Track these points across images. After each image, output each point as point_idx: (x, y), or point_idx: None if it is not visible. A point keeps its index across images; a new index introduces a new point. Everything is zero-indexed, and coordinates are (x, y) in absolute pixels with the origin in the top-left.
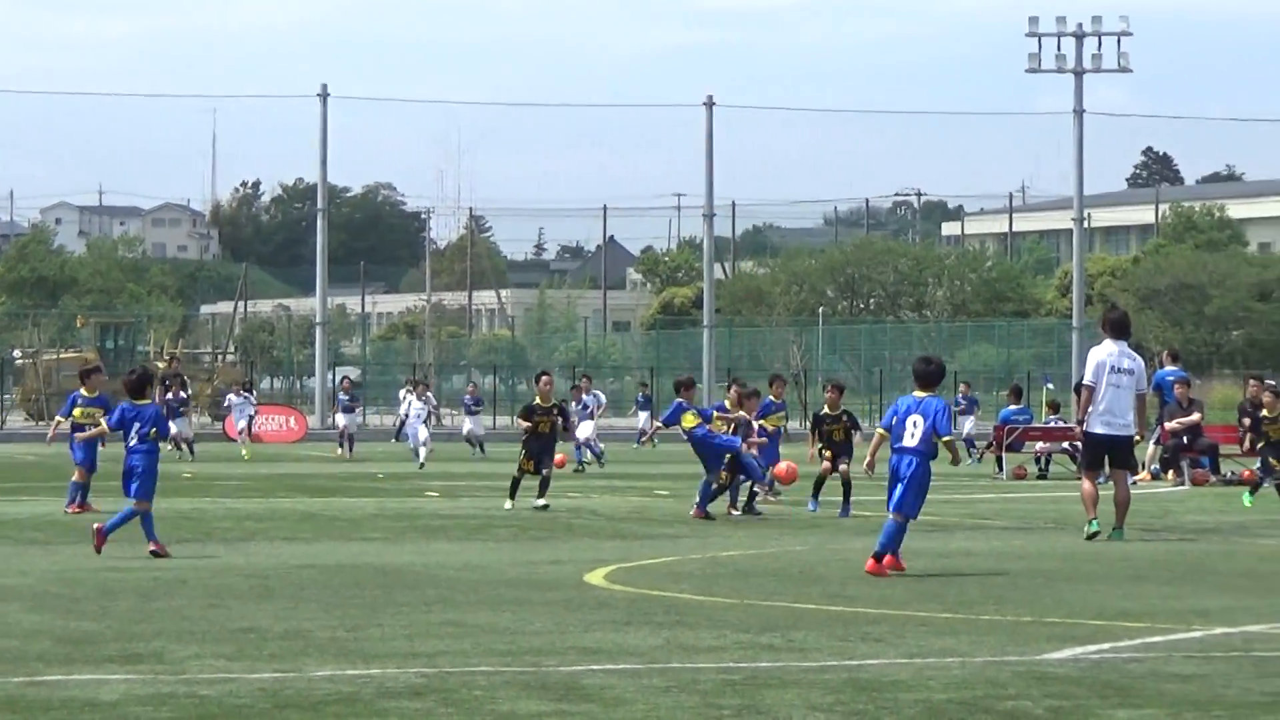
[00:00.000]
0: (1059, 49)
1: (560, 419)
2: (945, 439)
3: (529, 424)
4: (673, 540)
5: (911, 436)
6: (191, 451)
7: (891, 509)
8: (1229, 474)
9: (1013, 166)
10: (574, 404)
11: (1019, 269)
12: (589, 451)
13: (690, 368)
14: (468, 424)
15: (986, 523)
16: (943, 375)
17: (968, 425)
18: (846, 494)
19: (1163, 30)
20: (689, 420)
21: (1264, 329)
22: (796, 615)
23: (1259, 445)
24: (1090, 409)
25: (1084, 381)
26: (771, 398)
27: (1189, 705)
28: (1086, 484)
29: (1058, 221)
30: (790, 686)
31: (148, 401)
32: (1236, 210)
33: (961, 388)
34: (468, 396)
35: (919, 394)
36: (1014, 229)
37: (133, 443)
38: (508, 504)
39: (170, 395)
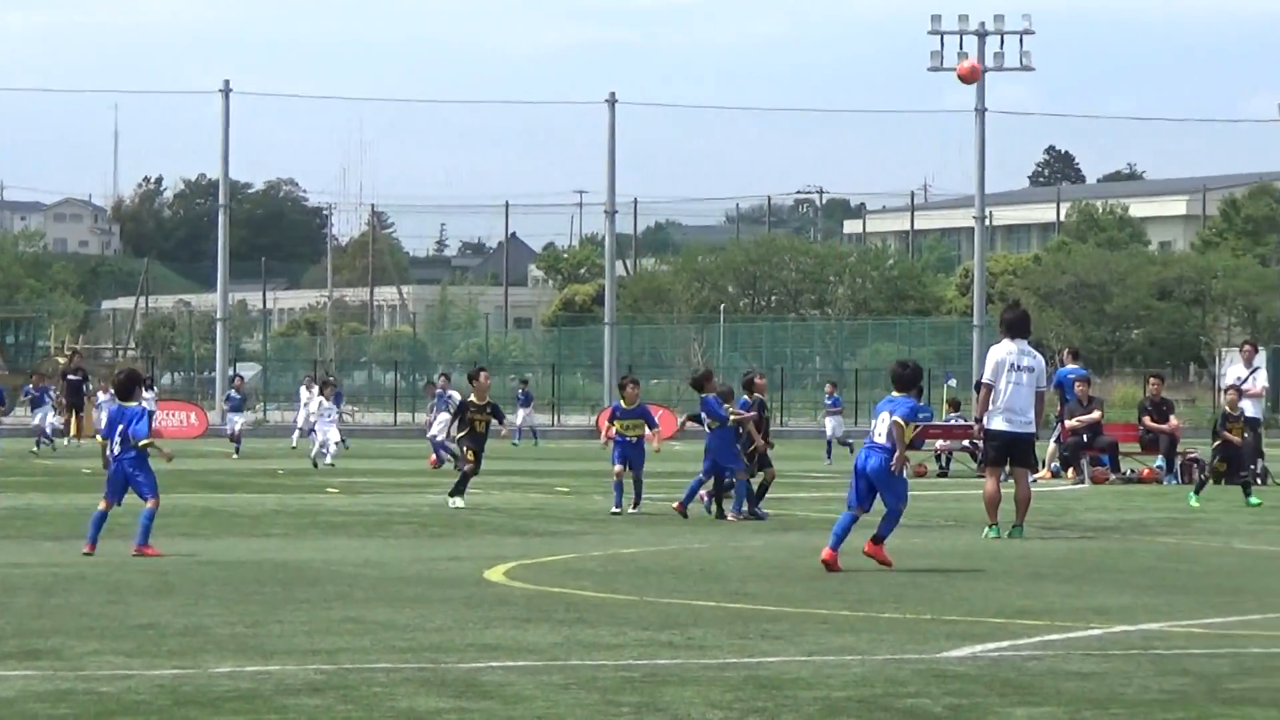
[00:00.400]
0: (961, 47)
1: (494, 417)
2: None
3: (460, 421)
4: (573, 537)
5: (880, 435)
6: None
7: (853, 504)
8: (1128, 472)
9: (915, 165)
10: (430, 400)
11: (920, 267)
12: (444, 450)
13: (591, 365)
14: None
15: None
16: (919, 378)
17: (832, 425)
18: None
19: (1065, 29)
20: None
21: (1164, 327)
22: (696, 613)
23: (1214, 444)
24: (991, 407)
25: (983, 380)
26: (746, 398)
27: (1087, 703)
28: (990, 484)
29: (959, 220)
30: (689, 684)
31: (134, 404)
32: (1137, 209)
33: (828, 388)
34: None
35: (894, 394)
36: (916, 227)
37: (118, 449)
38: (459, 502)
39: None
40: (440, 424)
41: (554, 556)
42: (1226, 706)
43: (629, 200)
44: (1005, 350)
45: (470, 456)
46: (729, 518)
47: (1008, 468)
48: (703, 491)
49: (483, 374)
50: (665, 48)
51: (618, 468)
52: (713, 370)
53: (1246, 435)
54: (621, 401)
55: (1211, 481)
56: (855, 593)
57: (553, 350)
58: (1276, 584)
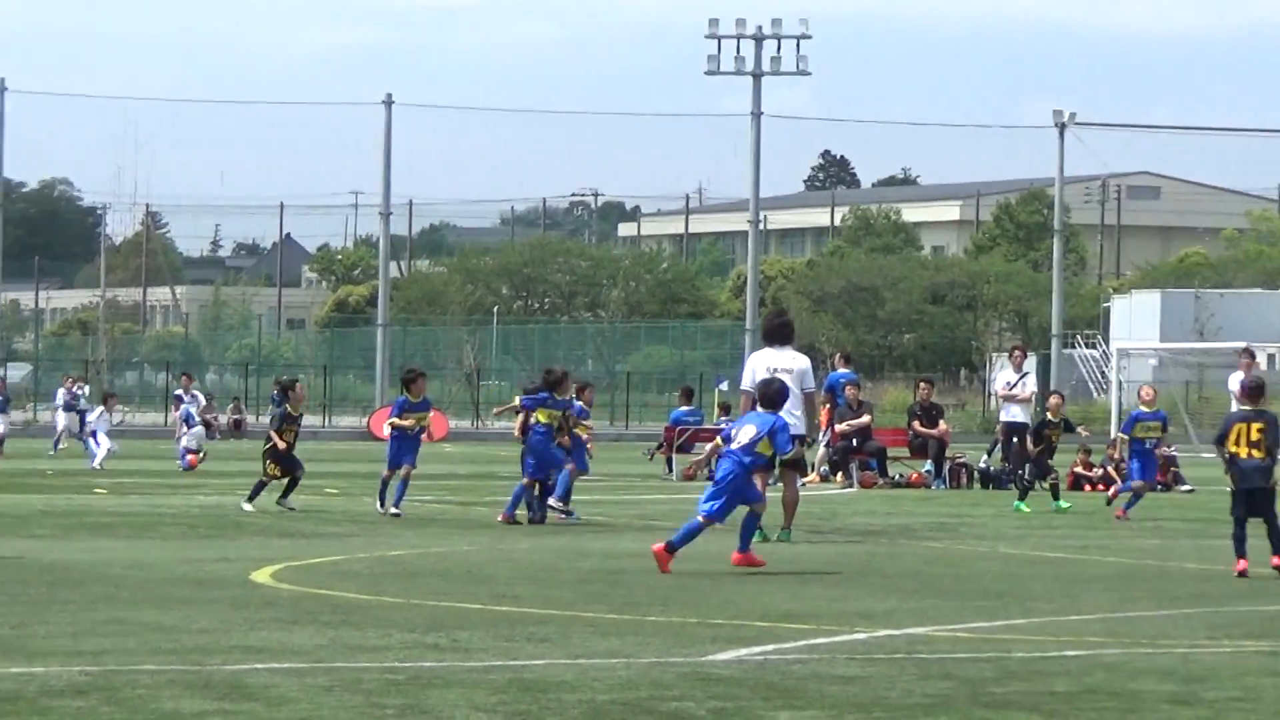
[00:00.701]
0: (738, 51)
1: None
2: (786, 457)
3: (279, 436)
4: (341, 539)
5: (739, 443)
6: None
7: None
8: (896, 476)
9: (691, 168)
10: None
11: (694, 270)
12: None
13: (364, 366)
14: (63, 419)
15: (655, 524)
16: (786, 396)
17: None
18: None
19: (842, 34)
20: (542, 416)
21: (936, 332)
22: (462, 615)
23: (1037, 449)
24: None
25: (742, 387)
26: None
27: (851, 707)
28: (787, 493)
29: (734, 223)
30: (454, 686)
31: None
32: (911, 214)
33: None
34: (63, 391)
35: (760, 410)
36: (690, 230)
37: None
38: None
39: None
40: (192, 435)
41: (321, 559)
42: (989, 710)
43: (404, 202)
44: (762, 356)
45: (275, 471)
46: (511, 518)
47: (777, 471)
48: (553, 500)
49: (298, 384)
50: (442, 49)
51: (404, 468)
52: (568, 371)
53: (1015, 441)
54: (409, 395)
55: (1027, 486)
56: (622, 596)
57: (325, 351)
58: (1040, 589)
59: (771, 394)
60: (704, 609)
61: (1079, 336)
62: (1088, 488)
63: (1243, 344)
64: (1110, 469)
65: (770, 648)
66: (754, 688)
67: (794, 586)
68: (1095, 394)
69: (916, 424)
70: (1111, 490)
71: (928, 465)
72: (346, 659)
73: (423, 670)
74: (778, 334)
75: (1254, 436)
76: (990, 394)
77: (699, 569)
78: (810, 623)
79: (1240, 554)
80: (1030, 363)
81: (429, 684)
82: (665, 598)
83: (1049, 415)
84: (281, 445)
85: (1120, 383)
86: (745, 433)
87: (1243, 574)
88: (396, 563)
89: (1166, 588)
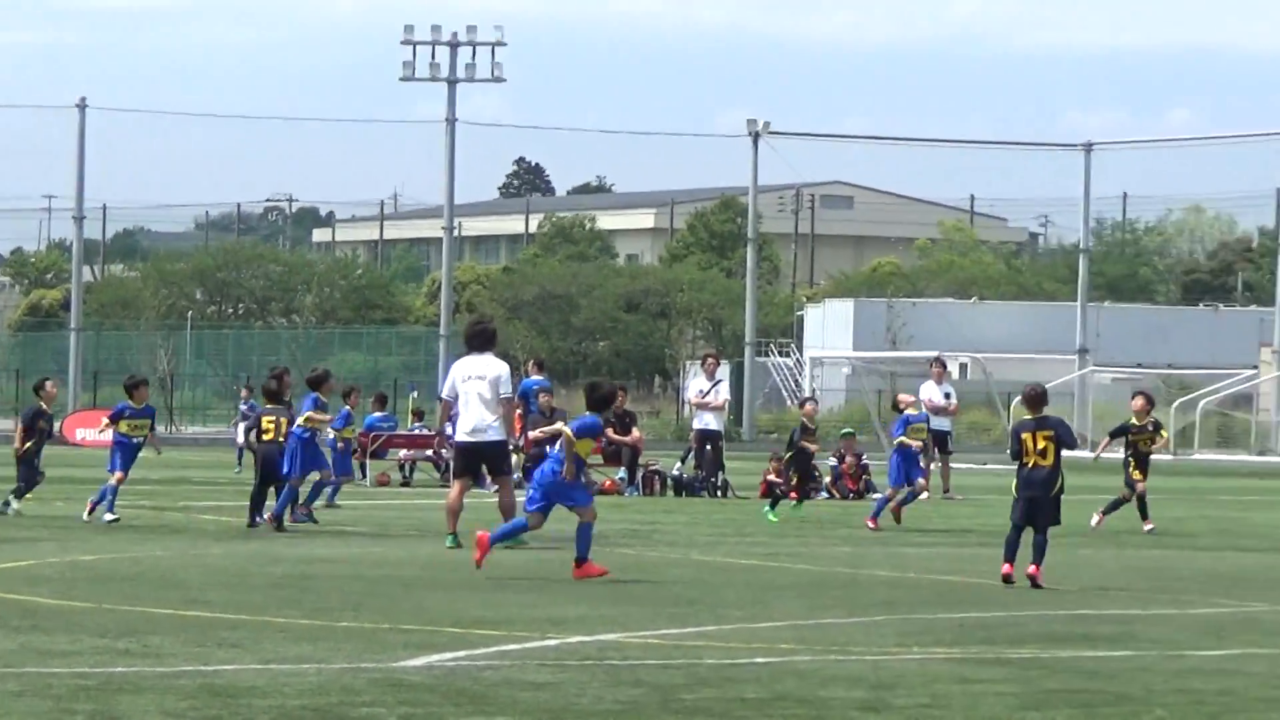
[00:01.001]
0: (434, 58)
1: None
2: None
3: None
4: (32, 544)
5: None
6: None
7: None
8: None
9: (386, 174)
10: None
11: (389, 276)
12: None
13: (57, 370)
14: None
15: (348, 529)
16: (612, 399)
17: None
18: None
19: (537, 41)
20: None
21: (630, 339)
22: (154, 620)
23: (791, 455)
24: (455, 419)
25: (442, 394)
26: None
27: (542, 713)
28: (453, 494)
29: (429, 230)
30: (145, 692)
31: None
32: (606, 221)
33: (244, 393)
34: None
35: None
36: (385, 237)
37: None
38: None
39: None
40: None
41: (11, 563)
42: (679, 717)
43: (98, 205)
44: (462, 363)
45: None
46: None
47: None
48: (321, 500)
49: (48, 383)
50: (136, 52)
51: (119, 474)
52: (330, 371)
53: (709, 448)
54: (131, 402)
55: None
56: (314, 601)
57: (17, 355)
58: (732, 595)
59: (597, 397)
60: (396, 615)
61: (773, 345)
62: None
63: (934, 353)
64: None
65: (462, 654)
66: (445, 694)
67: (487, 593)
68: (789, 402)
69: (610, 431)
70: (893, 504)
71: (621, 472)
72: (37, 664)
73: (113, 675)
74: (477, 340)
75: (1040, 445)
76: (684, 401)
77: (392, 575)
78: (502, 629)
79: (1008, 558)
80: (723, 370)
81: (120, 689)
82: (358, 604)
83: (806, 422)
84: (22, 448)
85: (813, 391)
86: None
87: (1006, 579)
88: (88, 568)
89: (857, 595)
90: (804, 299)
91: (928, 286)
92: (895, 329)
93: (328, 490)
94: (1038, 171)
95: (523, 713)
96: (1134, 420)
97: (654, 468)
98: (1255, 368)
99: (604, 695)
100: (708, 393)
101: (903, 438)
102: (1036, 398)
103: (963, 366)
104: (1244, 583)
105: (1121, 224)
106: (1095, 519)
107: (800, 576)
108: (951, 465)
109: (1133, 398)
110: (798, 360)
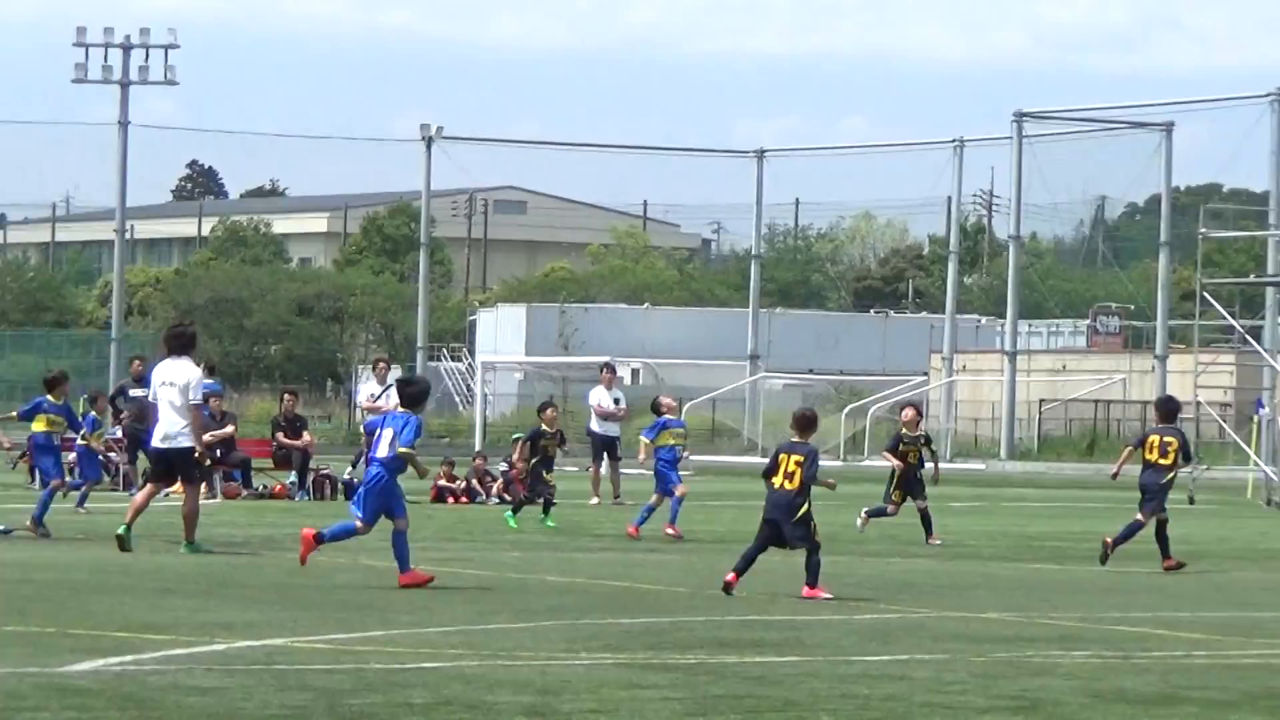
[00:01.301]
0: (106, 59)
1: None
2: (403, 450)
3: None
4: None
5: (382, 449)
6: None
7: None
8: (260, 487)
9: (58, 176)
10: None
11: (61, 279)
12: None
13: None
14: None
15: (13, 536)
16: (426, 395)
17: None
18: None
19: (211, 44)
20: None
21: (303, 343)
22: None
23: (534, 461)
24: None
25: (147, 399)
26: None
27: (207, 718)
28: (143, 493)
29: (100, 232)
30: None
31: None
32: (280, 225)
33: None
34: None
35: (400, 410)
36: (57, 239)
37: None
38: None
39: None
40: None
41: None
42: None
43: None
44: (159, 368)
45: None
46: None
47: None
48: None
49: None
50: None
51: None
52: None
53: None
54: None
55: None
56: None
57: None
58: (401, 600)
59: (411, 394)
60: (63, 619)
61: (445, 349)
62: (451, 500)
63: (605, 358)
64: (474, 481)
65: (129, 658)
66: (111, 699)
67: (154, 597)
68: (461, 407)
69: (280, 435)
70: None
71: (292, 477)
72: None
73: None
74: (175, 343)
75: (790, 468)
76: (355, 406)
77: (60, 579)
78: (169, 634)
79: (737, 567)
80: (394, 375)
81: None
82: (23, 608)
83: (544, 427)
84: None
85: (485, 395)
86: (385, 438)
87: (727, 587)
88: None
89: (526, 600)
90: (476, 303)
91: (600, 292)
92: (567, 334)
93: (76, 495)
94: (711, 178)
95: (188, 718)
96: (905, 431)
97: (325, 472)
98: (925, 374)
99: (271, 700)
100: (379, 397)
101: (651, 439)
102: (808, 421)
103: (634, 372)
104: (911, 588)
105: (794, 230)
106: (860, 521)
107: (469, 581)
108: (622, 471)
109: (902, 410)
110: (470, 365)
